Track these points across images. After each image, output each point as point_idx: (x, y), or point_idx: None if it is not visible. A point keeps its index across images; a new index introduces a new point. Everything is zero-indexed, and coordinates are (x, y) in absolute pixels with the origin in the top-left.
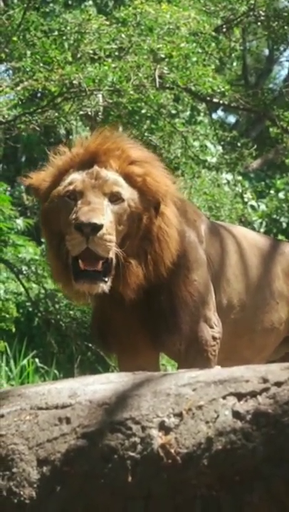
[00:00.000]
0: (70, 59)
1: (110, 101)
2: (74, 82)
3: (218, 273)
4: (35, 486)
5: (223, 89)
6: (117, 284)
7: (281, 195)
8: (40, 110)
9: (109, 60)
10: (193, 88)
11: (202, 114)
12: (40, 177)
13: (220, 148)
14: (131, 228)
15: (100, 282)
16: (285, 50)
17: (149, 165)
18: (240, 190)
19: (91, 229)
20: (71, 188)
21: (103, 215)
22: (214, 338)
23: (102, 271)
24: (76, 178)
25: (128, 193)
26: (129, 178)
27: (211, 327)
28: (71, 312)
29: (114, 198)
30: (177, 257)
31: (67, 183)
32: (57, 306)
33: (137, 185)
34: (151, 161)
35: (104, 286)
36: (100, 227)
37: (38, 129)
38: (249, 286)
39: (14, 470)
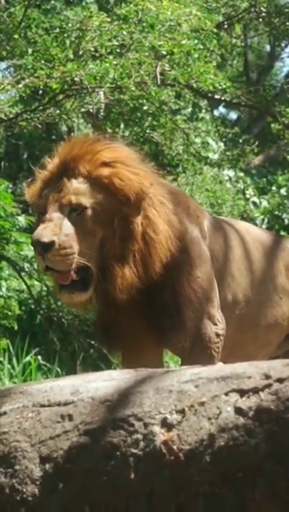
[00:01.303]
0: (71, 56)
1: (112, 98)
2: (75, 79)
3: (222, 268)
4: (37, 483)
5: (224, 86)
6: (107, 288)
7: (283, 191)
8: (41, 108)
9: (111, 57)
10: (194, 85)
11: (204, 110)
12: (31, 192)
13: (222, 144)
14: (107, 232)
15: (79, 292)
16: (286, 46)
17: (121, 164)
18: (242, 187)
19: (42, 248)
20: (41, 203)
21: (54, 232)
22: (218, 335)
23: (78, 281)
24: (45, 193)
25: (92, 198)
26: (98, 182)
27: (215, 324)
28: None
29: (75, 208)
30: (179, 254)
31: (41, 198)
32: (59, 303)
33: (105, 187)
34: (125, 160)
35: (84, 294)
36: (49, 245)
37: (39, 126)
38: (253, 281)
39: (17, 467)
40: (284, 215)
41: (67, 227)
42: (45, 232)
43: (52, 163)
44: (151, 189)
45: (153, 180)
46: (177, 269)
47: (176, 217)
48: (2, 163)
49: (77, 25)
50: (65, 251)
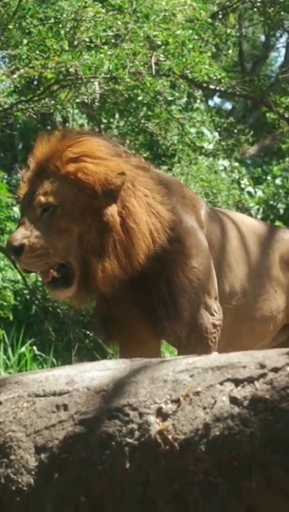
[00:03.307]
0: (66, 47)
1: (107, 88)
2: (70, 69)
3: (219, 259)
4: (33, 473)
5: (219, 76)
6: (92, 281)
7: (278, 181)
8: (36, 98)
9: (106, 47)
10: (189, 75)
11: (198, 100)
12: (19, 194)
13: (216, 134)
14: (82, 227)
15: (61, 288)
16: (281, 36)
17: (87, 158)
18: (237, 177)
19: (13, 251)
20: (21, 205)
21: (25, 235)
22: (215, 326)
23: (60, 278)
24: (23, 195)
25: (62, 196)
26: (66, 179)
27: (212, 314)
28: None
29: (46, 207)
30: (173, 244)
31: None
32: None
33: (73, 183)
34: (91, 153)
35: (67, 290)
36: (20, 248)
37: (34, 116)
38: (250, 272)
39: (12, 457)
40: (279, 205)
41: (39, 228)
42: (16, 236)
43: (31, 163)
44: (119, 179)
45: (132, 169)
46: (172, 260)
47: (166, 207)
48: None
49: (72, 16)
50: (36, 252)
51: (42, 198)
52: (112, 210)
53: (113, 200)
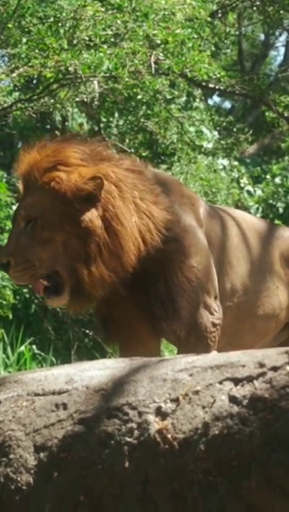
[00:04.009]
0: (65, 45)
1: (106, 87)
2: (70, 68)
3: (219, 256)
4: (32, 472)
5: (218, 75)
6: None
7: (277, 180)
8: (35, 97)
9: (105, 46)
10: (189, 74)
11: (198, 99)
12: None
13: (216, 133)
14: (63, 235)
15: (54, 297)
16: (280, 35)
17: (62, 166)
18: (237, 176)
19: (2, 268)
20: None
21: (10, 251)
22: (214, 325)
23: (51, 287)
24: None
25: (41, 207)
26: (43, 189)
27: (211, 313)
28: None
29: (28, 220)
30: (169, 243)
31: None
32: None
33: (49, 192)
34: (66, 160)
35: (59, 298)
36: (6, 265)
37: (33, 115)
38: (251, 269)
39: (11, 456)
40: (278, 204)
41: (23, 241)
42: (1, 253)
43: (18, 176)
44: (89, 184)
45: (119, 172)
46: (170, 259)
47: (161, 207)
48: None
49: (72, 15)
50: (21, 266)
51: (23, 211)
52: (91, 215)
53: (91, 204)
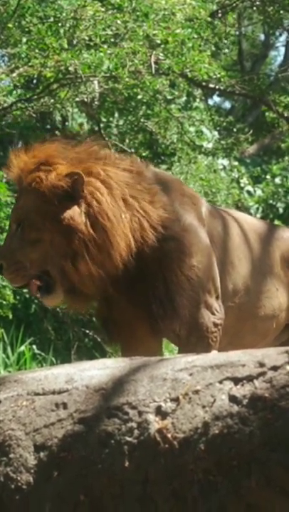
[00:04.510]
0: (65, 45)
1: (106, 87)
2: (70, 68)
3: (221, 256)
4: (32, 471)
5: (219, 75)
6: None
7: (277, 180)
8: (35, 97)
9: (105, 46)
10: (189, 74)
11: (198, 99)
12: None
13: (216, 133)
14: (48, 234)
15: (46, 295)
16: (280, 35)
17: (44, 166)
18: (237, 176)
19: None
20: None
21: (2, 255)
22: (215, 325)
23: (43, 286)
24: None
25: (26, 208)
26: (28, 190)
27: (213, 313)
28: None
29: (18, 222)
30: (168, 242)
31: None
32: None
33: (32, 193)
34: (47, 160)
35: (51, 297)
36: (0, 268)
37: (33, 115)
38: (252, 270)
39: (11, 456)
40: (278, 204)
41: (14, 243)
42: None
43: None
44: (63, 181)
45: (110, 170)
46: (169, 258)
47: (157, 206)
48: None
49: (72, 15)
50: (13, 268)
51: (14, 214)
52: (72, 212)
53: (72, 202)
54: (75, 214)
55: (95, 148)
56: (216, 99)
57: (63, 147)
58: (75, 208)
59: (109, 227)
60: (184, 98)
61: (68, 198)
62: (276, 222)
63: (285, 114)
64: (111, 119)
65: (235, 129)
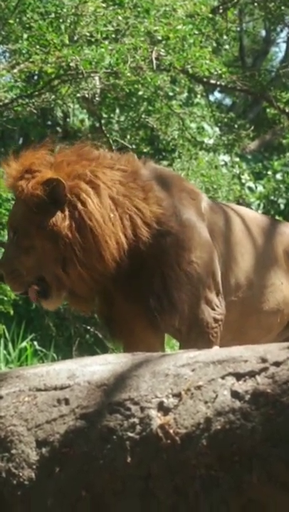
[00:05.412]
0: (66, 41)
1: (107, 83)
2: (71, 64)
3: (223, 250)
4: (34, 467)
5: (220, 71)
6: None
7: (279, 176)
8: (36, 93)
9: (106, 42)
10: (190, 70)
11: (199, 95)
12: None
13: (217, 129)
14: (38, 242)
15: (43, 299)
16: (281, 31)
17: (27, 174)
18: (238, 172)
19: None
20: None
21: (2, 262)
22: (216, 320)
23: (41, 290)
24: None
25: (17, 216)
26: (16, 198)
27: (213, 309)
28: None
29: (15, 229)
30: (165, 238)
31: None
32: None
33: (19, 200)
34: (30, 168)
35: (48, 301)
36: (0, 277)
37: (34, 111)
38: (255, 264)
39: (13, 451)
40: (279, 200)
41: (10, 251)
42: None
43: None
44: (39, 189)
45: (99, 171)
46: (166, 253)
47: (151, 202)
48: None
49: (73, 10)
50: (11, 276)
51: (9, 222)
52: (55, 218)
53: (55, 207)
54: (58, 219)
55: (85, 149)
56: (217, 95)
57: (49, 152)
58: (58, 213)
59: (96, 228)
60: (185, 94)
61: (52, 203)
62: (277, 218)
63: (286, 110)
64: (112, 115)
65: (236, 125)
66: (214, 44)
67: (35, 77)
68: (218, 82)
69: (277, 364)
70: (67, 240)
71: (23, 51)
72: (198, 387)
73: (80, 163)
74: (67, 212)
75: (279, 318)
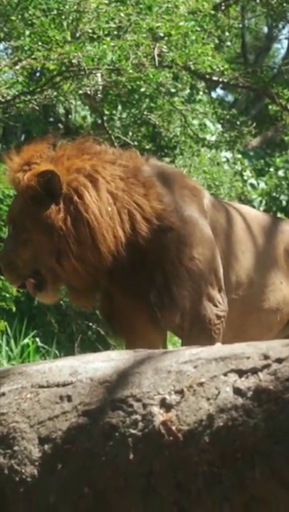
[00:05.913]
0: (68, 38)
1: (109, 80)
2: (73, 61)
3: (225, 248)
4: (36, 464)
5: (222, 68)
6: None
7: (280, 173)
8: (39, 89)
9: (108, 38)
10: (192, 67)
11: (201, 92)
12: None
13: (219, 126)
14: (34, 234)
15: (38, 292)
16: (283, 27)
17: (26, 166)
18: (240, 169)
19: None
20: None
21: (1, 255)
22: (218, 317)
23: (37, 283)
24: None
25: (15, 209)
26: (16, 191)
27: (215, 305)
28: None
29: (14, 222)
30: (166, 233)
31: None
32: None
33: (18, 194)
34: (29, 161)
35: (42, 294)
36: None
37: (37, 108)
38: (256, 262)
39: (16, 448)
40: (281, 197)
41: (9, 244)
42: None
43: None
44: (35, 180)
45: (98, 165)
46: (166, 249)
47: (152, 198)
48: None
49: (75, 7)
50: (8, 268)
51: (8, 216)
52: (49, 211)
53: (50, 199)
54: (53, 212)
55: (87, 144)
56: (219, 91)
57: (50, 147)
58: (53, 206)
59: (93, 220)
60: (188, 91)
61: (48, 196)
62: (279, 215)
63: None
64: (114, 111)
65: (238, 122)
66: (216, 41)
67: (38, 74)
68: (220, 79)
69: (279, 361)
70: (61, 232)
71: (25, 48)
72: (201, 384)
73: (80, 158)
74: (62, 205)
75: (279, 317)
